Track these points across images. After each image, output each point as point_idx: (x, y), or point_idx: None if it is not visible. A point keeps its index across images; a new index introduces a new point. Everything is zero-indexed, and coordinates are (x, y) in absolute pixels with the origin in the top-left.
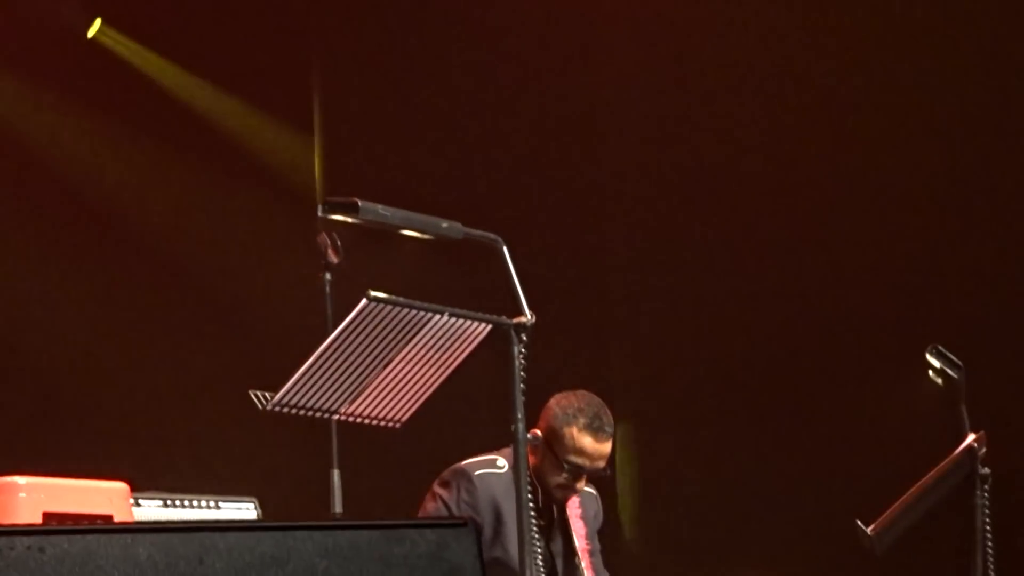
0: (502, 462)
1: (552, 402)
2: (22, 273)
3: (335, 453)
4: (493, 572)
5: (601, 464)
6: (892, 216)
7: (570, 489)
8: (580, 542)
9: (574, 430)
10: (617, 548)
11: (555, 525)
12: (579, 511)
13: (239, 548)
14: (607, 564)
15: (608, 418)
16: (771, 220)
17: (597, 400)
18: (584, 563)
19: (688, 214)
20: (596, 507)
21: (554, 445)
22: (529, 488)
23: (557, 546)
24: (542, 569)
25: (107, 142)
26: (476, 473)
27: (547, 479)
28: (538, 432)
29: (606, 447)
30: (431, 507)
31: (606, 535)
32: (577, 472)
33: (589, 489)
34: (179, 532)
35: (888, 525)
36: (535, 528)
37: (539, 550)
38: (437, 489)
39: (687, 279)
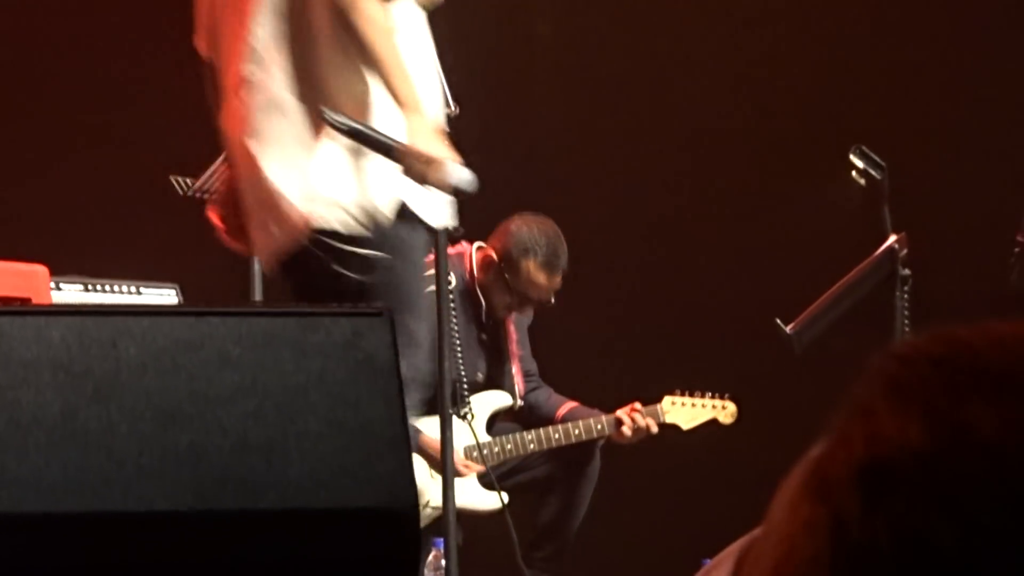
0: (453, 278)
1: (512, 226)
2: None
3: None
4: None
5: (549, 297)
6: (813, 16)
7: (513, 311)
8: (512, 346)
9: (531, 264)
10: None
11: (492, 334)
12: (513, 316)
13: (153, 332)
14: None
15: (565, 253)
16: (693, 24)
17: (556, 231)
18: (515, 368)
19: (612, 15)
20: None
21: (508, 272)
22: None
23: (493, 353)
24: (480, 380)
25: None
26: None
27: (494, 298)
28: (491, 253)
29: (558, 282)
30: None
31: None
32: (525, 302)
33: None
34: (93, 316)
35: (807, 324)
36: (480, 339)
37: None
38: None
39: (606, 77)
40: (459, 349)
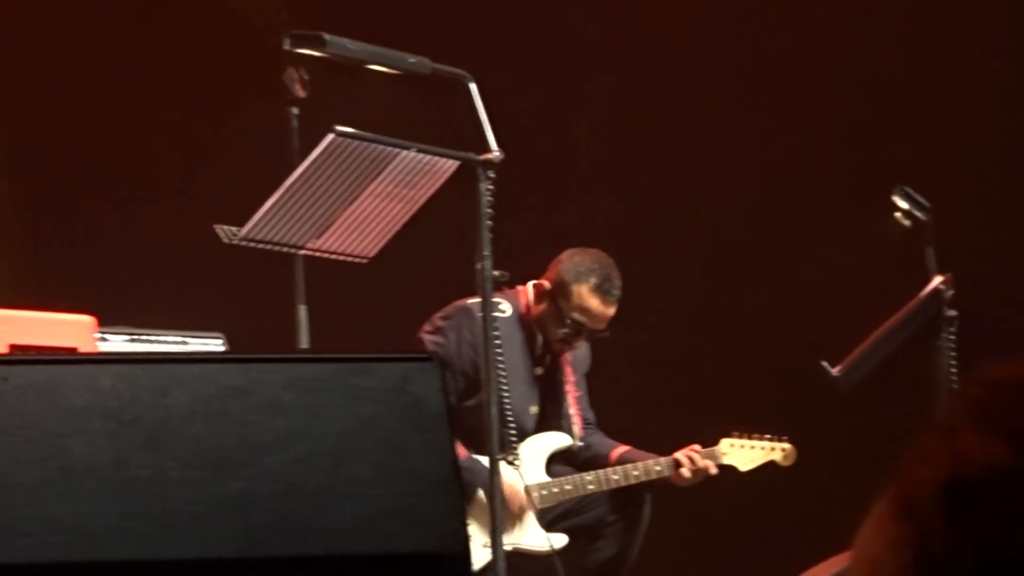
0: (505, 305)
1: (564, 256)
2: None
3: (302, 288)
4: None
5: (602, 326)
6: (859, 55)
7: (568, 344)
8: (569, 387)
9: (583, 289)
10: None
11: (549, 372)
12: (569, 356)
13: (203, 380)
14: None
15: (618, 282)
16: (741, 64)
17: (609, 261)
18: (573, 409)
19: (662, 57)
20: (585, 350)
21: (560, 299)
22: (523, 334)
23: (549, 391)
24: (533, 413)
25: None
26: (480, 314)
27: (548, 330)
28: (545, 283)
29: (611, 311)
30: (430, 339)
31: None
32: (578, 329)
33: None
34: (143, 363)
35: (853, 366)
36: (534, 373)
37: (533, 395)
38: (439, 322)
39: (657, 120)
40: (505, 390)
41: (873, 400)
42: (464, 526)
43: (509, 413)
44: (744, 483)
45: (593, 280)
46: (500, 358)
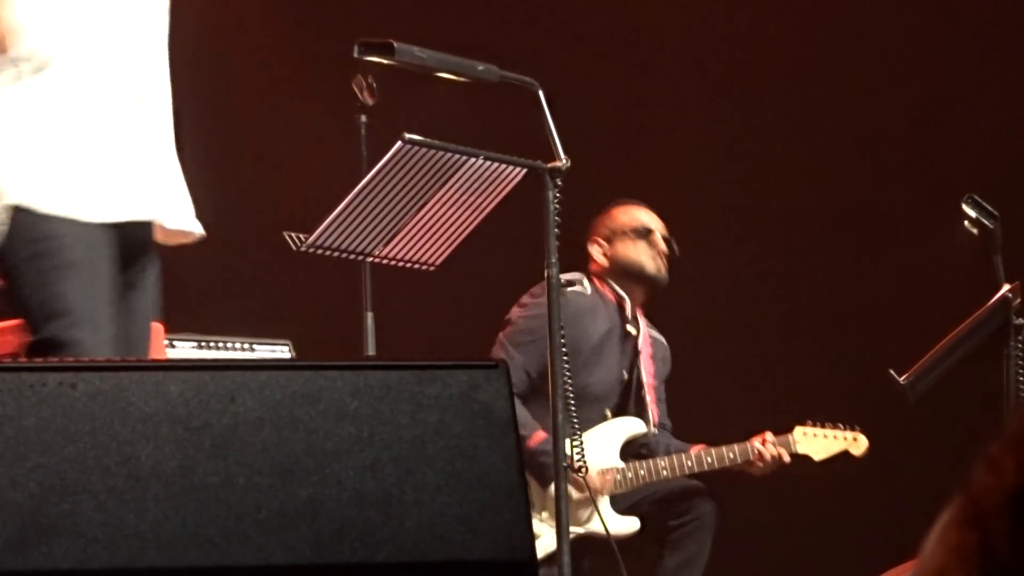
0: (585, 283)
1: (596, 218)
2: None
3: (369, 296)
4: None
5: (663, 230)
6: (927, 63)
7: (656, 250)
8: (647, 377)
9: (623, 209)
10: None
11: (633, 347)
12: (650, 350)
13: (271, 386)
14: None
15: (650, 215)
16: (812, 71)
17: (637, 205)
18: (650, 397)
19: (733, 63)
20: (665, 352)
21: (617, 231)
22: (609, 303)
23: (630, 370)
24: (624, 380)
25: None
26: (568, 290)
27: (632, 260)
28: (599, 239)
29: (659, 247)
30: (520, 314)
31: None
32: (650, 232)
33: (659, 336)
34: (211, 370)
35: (921, 374)
36: (627, 332)
37: (616, 373)
38: (527, 299)
39: (728, 127)
40: (570, 395)
41: (940, 409)
42: (531, 533)
43: (572, 401)
44: (812, 491)
45: (622, 203)
46: (566, 359)
